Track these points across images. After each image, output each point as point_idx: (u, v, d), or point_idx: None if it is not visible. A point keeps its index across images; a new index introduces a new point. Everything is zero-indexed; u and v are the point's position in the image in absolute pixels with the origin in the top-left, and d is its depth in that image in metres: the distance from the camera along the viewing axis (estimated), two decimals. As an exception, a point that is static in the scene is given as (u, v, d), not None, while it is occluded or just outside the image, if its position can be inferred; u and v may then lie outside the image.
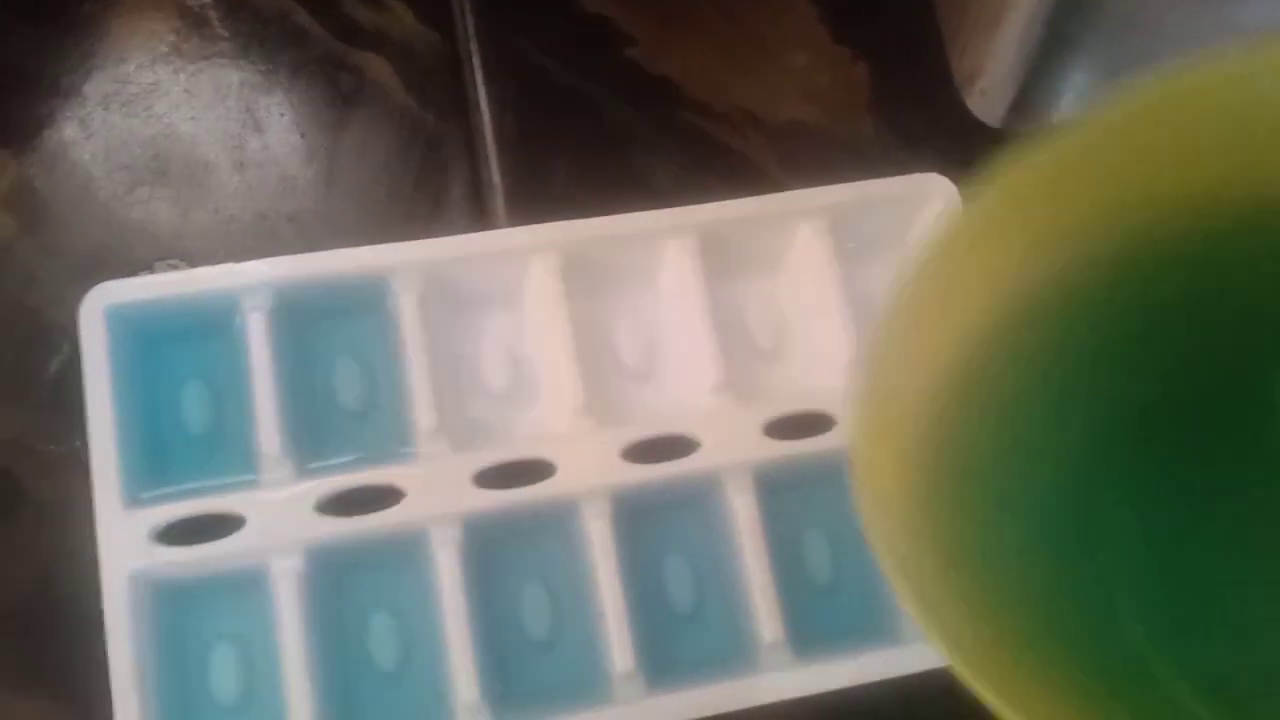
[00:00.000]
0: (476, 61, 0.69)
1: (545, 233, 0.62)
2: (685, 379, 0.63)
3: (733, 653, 0.60)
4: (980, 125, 0.71)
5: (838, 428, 0.62)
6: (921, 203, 0.65)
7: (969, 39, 0.69)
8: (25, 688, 0.60)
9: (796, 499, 0.62)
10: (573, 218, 0.63)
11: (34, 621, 0.61)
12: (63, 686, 0.60)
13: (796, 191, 0.65)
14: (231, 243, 0.66)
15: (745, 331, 0.65)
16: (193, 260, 0.66)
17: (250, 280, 0.60)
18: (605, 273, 0.64)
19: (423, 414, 0.60)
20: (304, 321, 0.61)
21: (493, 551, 0.60)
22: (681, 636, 0.61)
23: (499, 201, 0.67)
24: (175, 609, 0.58)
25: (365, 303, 0.62)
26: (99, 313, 0.59)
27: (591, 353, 0.62)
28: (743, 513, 0.60)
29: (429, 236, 0.63)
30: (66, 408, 0.62)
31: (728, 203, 0.64)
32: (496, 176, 0.67)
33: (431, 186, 0.69)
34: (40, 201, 0.66)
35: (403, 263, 0.61)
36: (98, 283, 0.61)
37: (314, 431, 0.61)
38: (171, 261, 0.65)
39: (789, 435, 0.62)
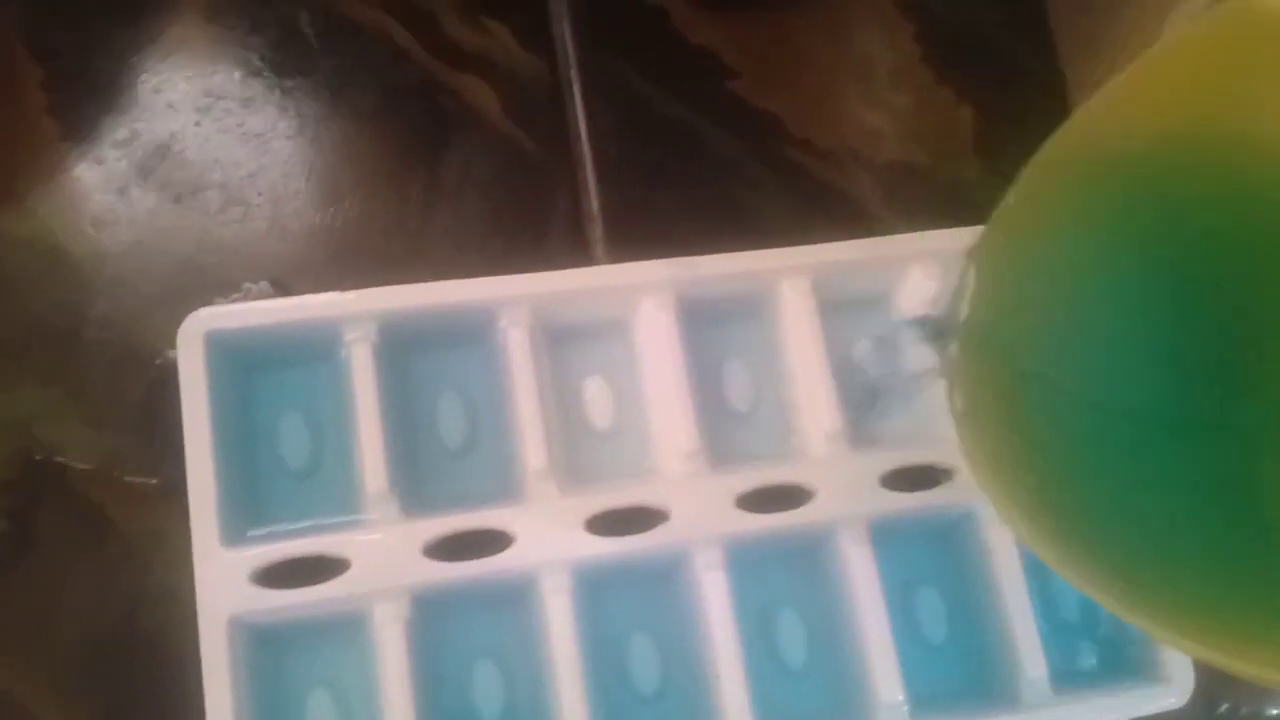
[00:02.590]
0: (577, 88, 0.68)
1: (656, 269, 0.61)
2: (799, 423, 0.61)
3: (845, 710, 0.58)
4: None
5: (959, 478, 0.60)
6: None
7: (1100, 82, 0.67)
8: None
9: (914, 552, 0.62)
10: (674, 252, 0.61)
11: (120, 659, 0.59)
12: None
13: (909, 235, 0.63)
14: (326, 266, 0.65)
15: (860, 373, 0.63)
16: (284, 283, 0.64)
17: (354, 310, 0.58)
18: (715, 311, 0.62)
19: (532, 454, 0.58)
20: (408, 354, 0.60)
21: (602, 598, 0.58)
22: (792, 693, 0.59)
23: (599, 233, 0.65)
24: (274, 653, 0.57)
25: (471, 336, 0.60)
26: (198, 338, 0.57)
27: (703, 393, 0.61)
28: (857, 565, 0.58)
29: (529, 267, 0.61)
30: (156, 436, 0.60)
31: (840, 244, 0.63)
32: (597, 207, 0.66)
33: (532, 216, 0.67)
34: (129, 219, 0.65)
35: (511, 296, 0.60)
36: (188, 304, 0.59)
37: (419, 469, 0.59)
38: (260, 284, 0.63)
39: (909, 486, 0.60)
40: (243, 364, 0.59)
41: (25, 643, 0.59)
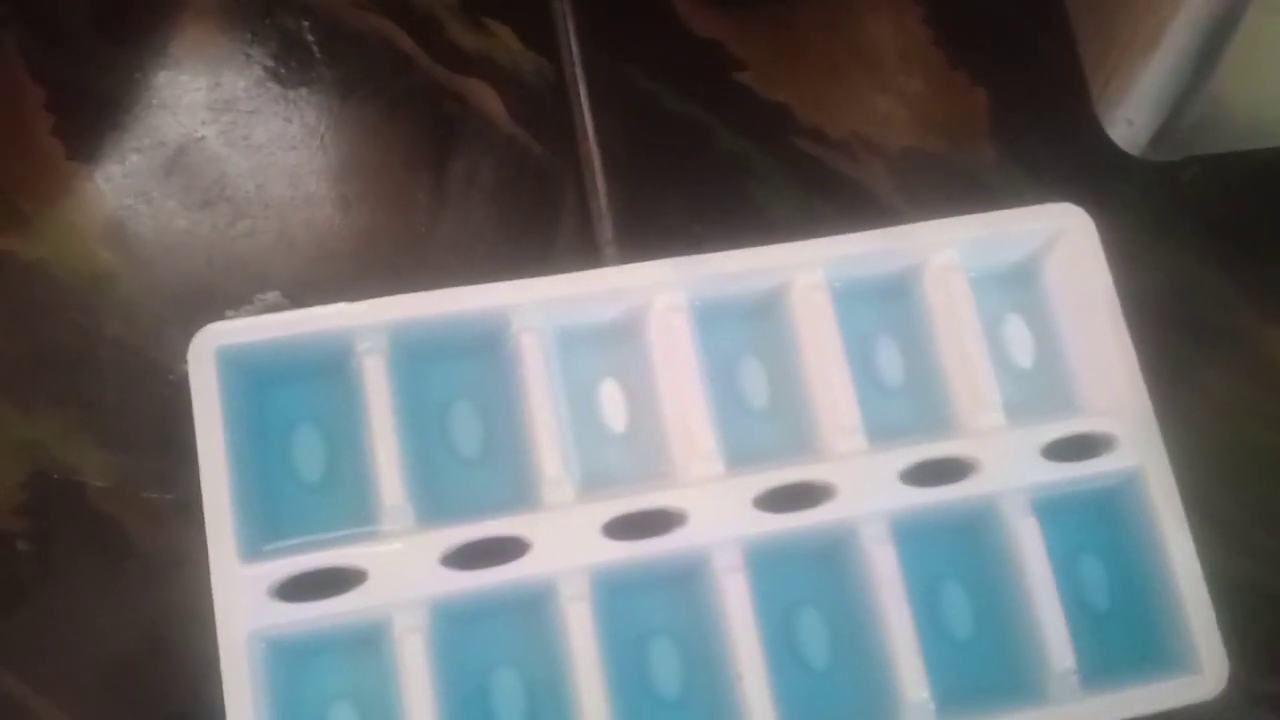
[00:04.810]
0: (583, 87, 0.67)
1: (667, 269, 0.60)
2: (817, 420, 0.61)
3: (870, 710, 0.58)
4: (1111, 154, 0.69)
5: (981, 471, 0.60)
6: (1056, 236, 0.63)
7: (1116, 65, 0.67)
8: None
9: (934, 548, 0.61)
10: (685, 250, 0.61)
11: (141, 676, 0.59)
12: None
13: (924, 224, 0.62)
14: (336, 276, 0.65)
15: (877, 369, 0.64)
16: (295, 294, 0.64)
17: (365, 320, 0.58)
18: (729, 309, 0.62)
19: (547, 460, 0.58)
20: (419, 363, 0.60)
21: (621, 602, 0.58)
22: (816, 694, 0.59)
23: (608, 233, 0.65)
24: (294, 666, 0.56)
25: (482, 342, 0.60)
26: (209, 355, 0.57)
27: (718, 392, 0.60)
28: (881, 564, 0.58)
29: (539, 270, 0.60)
30: (172, 452, 0.60)
31: (854, 235, 0.62)
32: (606, 207, 0.65)
33: (540, 218, 0.67)
34: (138, 236, 0.65)
35: (522, 301, 0.59)
36: (199, 319, 0.58)
37: (434, 479, 0.59)
38: (271, 295, 0.63)
39: (930, 482, 0.60)
40: (255, 378, 0.58)
41: (47, 661, 0.59)
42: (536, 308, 0.59)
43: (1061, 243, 0.63)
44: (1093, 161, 0.69)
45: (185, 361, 0.57)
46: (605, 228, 0.65)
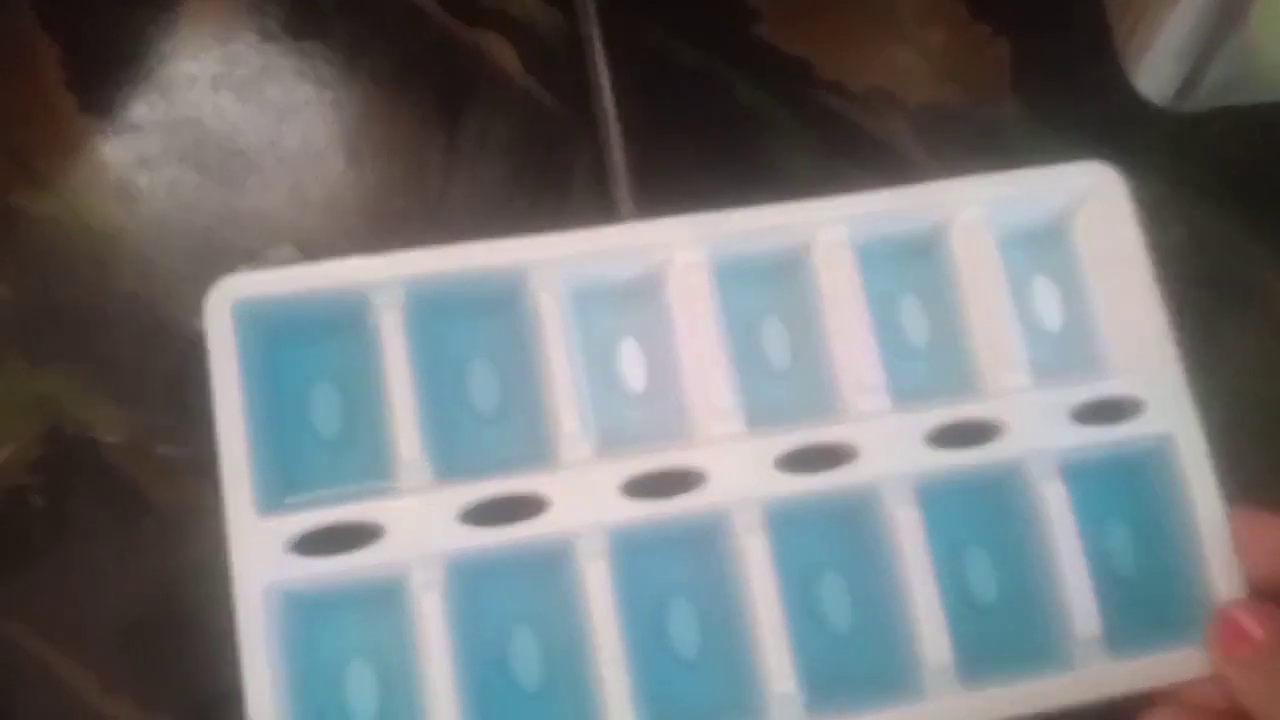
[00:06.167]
0: (598, 41, 0.67)
1: (687, 226, 0.60)
2: (840, 380, 0.60)
3: (892, 675, 0.57)
4: (1136, 106, 0.69)
5: (1007, 433, 0.59)
6: (1085, 195, 0.62)
7: (1141, 13, 0.66)
8: (152, 703, 0.59)
9: (958, 512, 0.60)
10: (701, 205, 0.60)
11: (157, 630, 0.60)
12: (189, 700, 0.59)
13: (950, 181, 0.61)
14: (349, 231, 0.65)
15: (901, 329, 0.63)
16: (308, 249, 0.64)
17: (382, 275, 0.57)
18: (750, 267, 0.61)
19: (565, 418, 0.57)
20: (437, 319, 0.59)
21: (639, 562, 0.57)
22: (838, 657, 0.58)
23: (624, 189, 0.64)
24: (310, 621, 0.56)
25: (500, 299, 0.59)
26: (226, 307, 0.56)
27: (739, 352, 0.60)
28: (904, 526, 0.57)
29: (553, 226, 0.60)
30: (186, 407, 0.60)
31: (878, 193, 0.61)
32: (621, 162, 0.65)
33: (555, 174, 0.66)
34: (150, 191, 0.64)
35: (540, 258, 0.59)
36: (212, 274, 0.58)
37: (451, 436, 0.59)
38: (284, 250, 0.63)
39: (955, 444, 0.59)
40: (272, 332, 0.58)
41: (63, 616, 0.60)
42: (555, 265, 0.59)
43: (1091, 202, 0.62)
44: (1117, 114, 0.69)
45: (199, 317, 0.57)
46: (621, 183, 0.65)
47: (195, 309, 0.57)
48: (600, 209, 0.65)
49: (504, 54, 0.68)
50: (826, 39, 0.70)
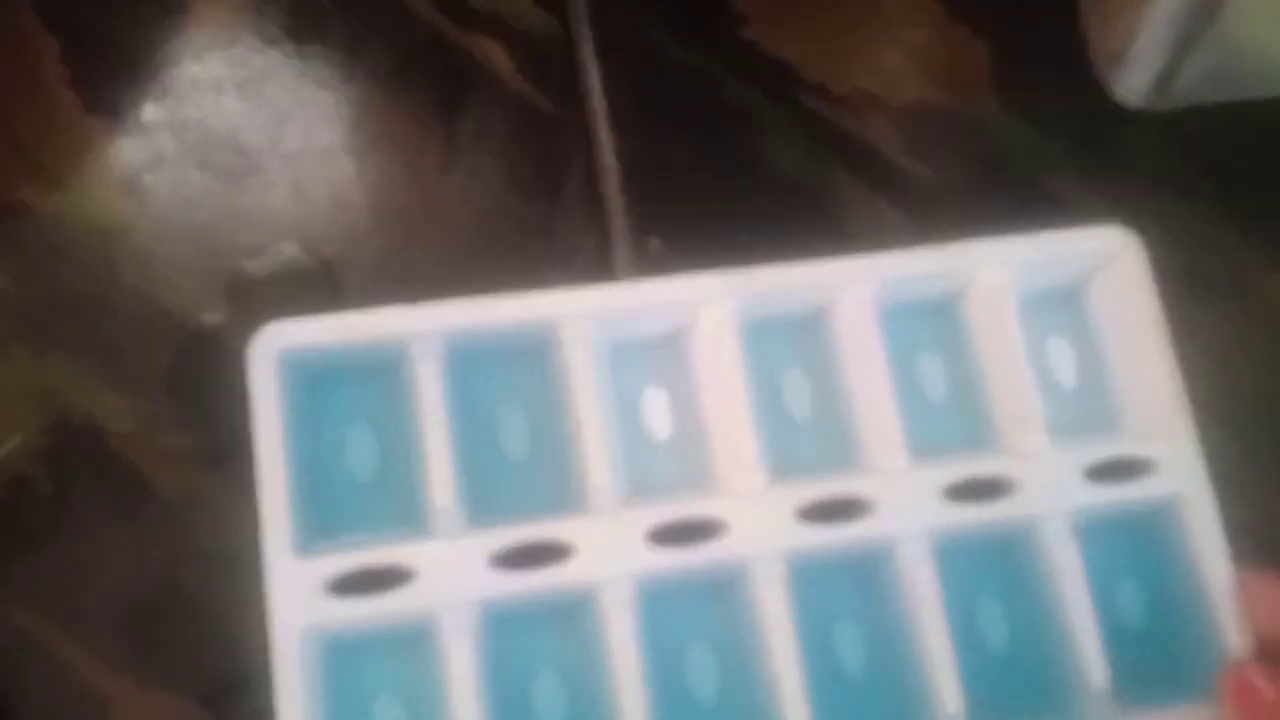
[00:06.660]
0: (590, 42, 0.68)
1: (715, 282, 0.61)
2: (860, 434, 0.61)
3: (908, 723, 0.58)
4: (1113, 105, 0.71)
5: (1022, 491, 0.61)
6: (1106, 259, 0.64)
7: (1116, 15, 0.67)
8: (155, 686, 0.61)
9: (973, 565, 0.62)
10: (690, 202, 0.62)
11: (160, 617, 0.62)
12: (192, 683, 0.61)
13: (972, 243, 0.62)
14: (349, 228, 0.66)
15: (920, 386, 0.65)
16: (311, 246, 0.65)
17: (420, 326, 0.58)
18: (775, 321, 0.62)
19: (593, 466, 0.58)
20: (471, 367, 0.60)
21: (662, 609, 0.59)
22: (853, 706, 0.60)
23: (615, 186, 0.66)
24: (343, 662, 0.57)
25: (533, 350, 0.61)
26: (270, 356, 0.57)
27: (762, 405, 0.61)
28: (920, 579, 0.59)
29: (546, 223, 0.64)
30: (186, 398, 0.62)
31: (904, 254, 0.62)
32: (612, 160, 0.66)
33: (548, 170, 0.68)
34: (154, 187, 0.65)
35: (572, 312, 0.60)
36: (213, 269, 0.62)
37: (483, 482, 0.60)
38: (287, 247, 0.63)
39: (971, 499, 0.60)
40: (312, 377, 0.59)
41: (68, 602, 0.61)
42: (586, 318, 0.60)
43: (1109, 266, 0.63)
44: (1095, 113, 0.70)
45: (202, 310, 0.61)
46: (612, 180, 0.66)
47: (198, 302, 0.60)
48: (591, 205, 0.67)
49: (498, 55, 0.69)
50: (812, 41, 0.71)
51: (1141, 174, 0.70)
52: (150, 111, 0.65)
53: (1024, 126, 0.70)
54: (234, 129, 0.66)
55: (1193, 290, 0.68)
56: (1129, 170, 0.69)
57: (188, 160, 0.65)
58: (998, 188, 0.70)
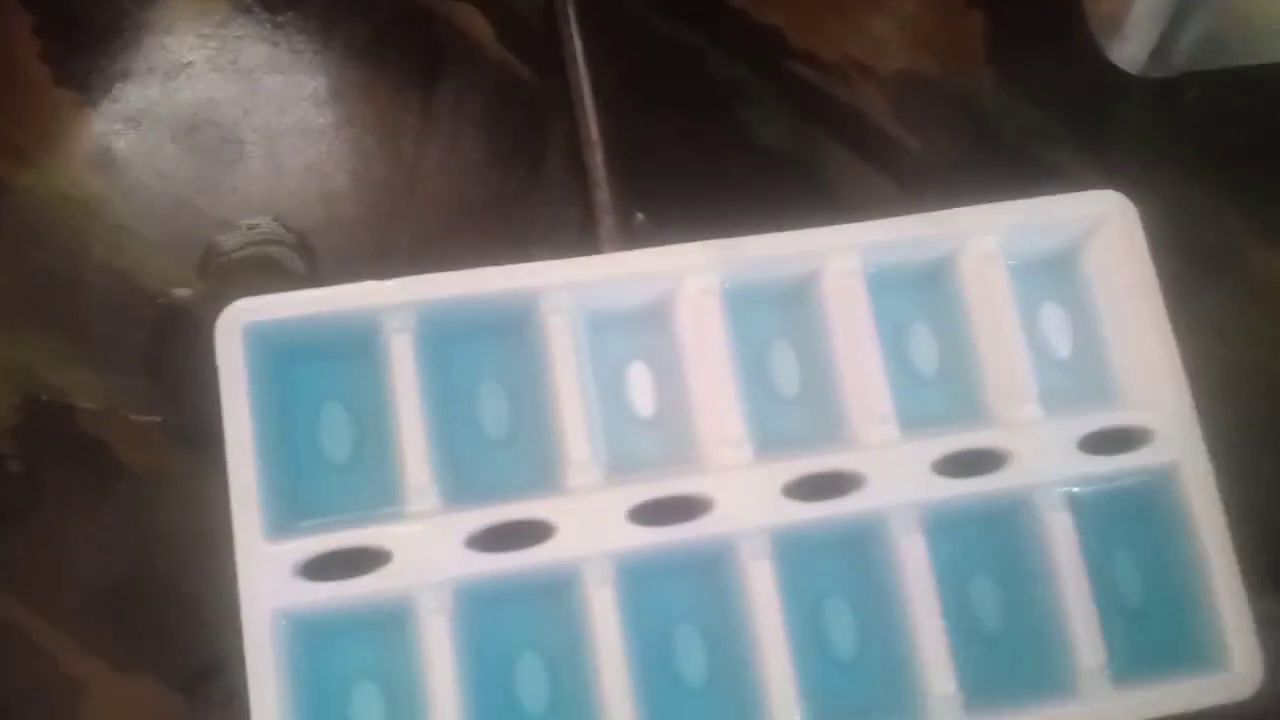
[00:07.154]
0: (572, 10, 0.66)
1: (699, 251, 0.59)
2: (848, 407, 0.60)
3: (896, 703, 0.58)
4: (1110, 74, 0.69)
5: (1015, 463, 0.60)
6: (1098, 224, 0.62)
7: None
8: (127, 667, 0.60)
9: (965, 540, 0.61)
10: (675, 175, 0.61)
11: (134, 596, 0.60)
12: (165, 664, 0.59)
13: (962, 210, 0.61)
14: (325, 201, 0.65)
15: (910, 357, 0.63)
16: (285, 219, 0.64)
17: (393, 299, 0.57)
18: (761, 292, 0.61)
19: (573, 444, 0.57)
20: (446, 342, 0.59)
21: (646, 588, 0.58)
22: (843, 684, 0.59)
23: (599, 158, 0.64)
24: (318, 646, 0.56)
25: (510, 323, 0.59)
26: (236, 332, 0.56)
27: (748, 379, 0.60)
28: (911, 555, 0.58)
29: (527, 196, 0.62)
30: (158, 375, 0.61)
31: (892, 220, 0.61)
32: (596, 133, 0.65)
33: (530, 141, 0.66)
34: (127, 161, 0.64)
35: (551, 283, 0.58)
36: (186, 243, 0.61)
37: (460, 460, 0.59)
38: (261, 220, 0.63)
39: (963, 472, 0.59)
40: (281, 355, 0.57)
41: (41, 583, 0.60)
42: (565, 289, 0.58)
43: (1103, 231, 0.62)
44: (1092, 82, 0.69)
45: (175, 286, 0.60)
46: (595, 153, 0.64)
47: (171, 278, 0.59)
48: (574, 178, 0.65)
49: (478, 24, 0.67)
50: (800, 7, 0.69)
51: (1139, 143, 0.69)
52: (121, 84, 0.64)
53: (1018, 94, 0.69)
54: (207, 102, 0.65)
55: (1193, 261, 0.67)
56: (1126, 140, 0.68)
57: (161, 134, 0.64)
58: (991, 157, 0.68)
